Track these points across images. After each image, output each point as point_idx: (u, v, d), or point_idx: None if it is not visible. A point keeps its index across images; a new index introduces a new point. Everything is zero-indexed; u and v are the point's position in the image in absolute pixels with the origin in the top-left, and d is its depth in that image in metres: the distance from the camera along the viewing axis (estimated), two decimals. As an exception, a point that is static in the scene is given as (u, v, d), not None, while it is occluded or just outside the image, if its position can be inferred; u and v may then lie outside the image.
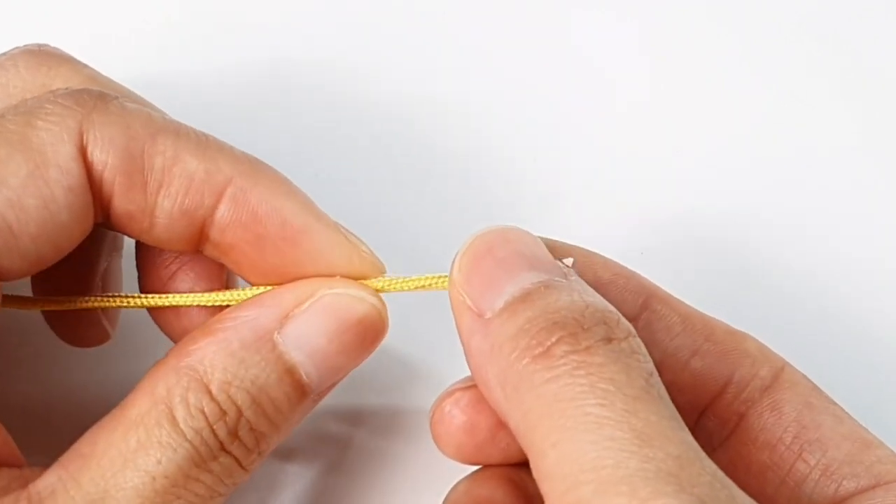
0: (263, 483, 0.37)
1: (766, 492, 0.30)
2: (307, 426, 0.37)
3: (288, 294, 0.31)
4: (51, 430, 0.33)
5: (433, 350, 0.39)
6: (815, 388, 0.31)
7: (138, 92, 0.36)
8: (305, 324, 0.30)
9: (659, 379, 0.27)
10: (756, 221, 0.43)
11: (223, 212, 0.31)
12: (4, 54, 0.35)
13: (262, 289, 0.32)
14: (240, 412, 0.29)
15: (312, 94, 0.44)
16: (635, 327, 0.28)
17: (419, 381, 0.39)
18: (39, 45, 0.35)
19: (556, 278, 0.29)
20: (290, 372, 0.30)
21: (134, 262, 0.34)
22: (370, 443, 0.38)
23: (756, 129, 0.45)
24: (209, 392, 0.29)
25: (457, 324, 0.29)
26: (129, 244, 0.36)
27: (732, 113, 0.45)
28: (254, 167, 0.31)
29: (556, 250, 0.31)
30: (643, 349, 0.27)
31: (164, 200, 0.30)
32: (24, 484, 0.28)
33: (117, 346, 0.36)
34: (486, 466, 0.32)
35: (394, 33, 0.46)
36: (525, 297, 0.28)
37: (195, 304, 0.33)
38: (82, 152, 0.30)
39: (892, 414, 0.38)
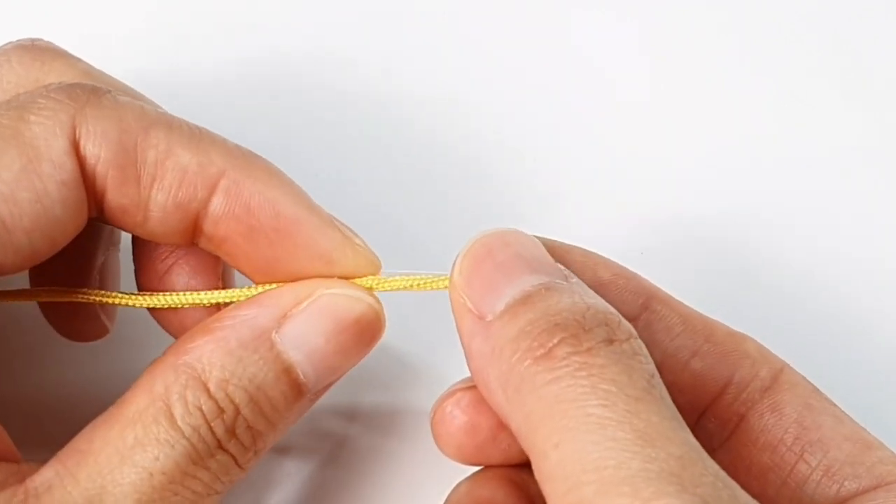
0: (261, 481, 0.37)
1: (767, 493, 0.30)
2: (307, 425, 0.37)
3: (286, 294, 0.31)
4: (47, 427, 0.33)
5: (433, 349, 0.39)
6: (815, 389, 0.31)
7: (134, 89, 0.36)
8: (303, 323, 0.30)
9: (661, 380, 0.27)
10: (756, 221, 0.43)
11: (216, 204, 0.31)
12: (-3, 49, 0.35)
13: (260, 288, 0.32)
14: (237, 410, 0.29)
15: (312, 93, 0.44)
16: (635, 328, 0.28)
17: (419, 380, 0.38)
18: (33, 40, 0.35)
19: (557, 280, 0.29)
20: (287, 371, 0.30)
21: (131, 257, 0.34)
22: (369, 441, 0.37)
23: (756, 129, 0.44)
24: (207, 390, 0.29)
25: (457, 326, 0.29)
26: (126, 239, 0.36)
27: (732, 113, 0.45)
28: (247, 159, 0.31)
29: (555, 250, 0.31)
30: (645, 351, 0.27)
31: (157, 194, 0.30)
32: (21, 479, 0.28)
33: (114, 342, 0.36)
34: (487, 467, 0.32)
35: (394, 33, 0.46)
36: (526, 300, 0.28)
37: (190, 304, 0.33)
38: (75, 146, 0.30)
39: (892, 414, 0.38)
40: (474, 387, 0.31)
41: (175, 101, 0.36)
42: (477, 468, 0.32)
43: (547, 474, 0.25)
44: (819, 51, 0.46)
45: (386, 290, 0.32)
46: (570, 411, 0.25)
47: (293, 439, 0.37)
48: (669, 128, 0.44)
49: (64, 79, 0.33)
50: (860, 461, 0.29)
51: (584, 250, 0.32)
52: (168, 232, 0.31)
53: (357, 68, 0.45)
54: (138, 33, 0.45)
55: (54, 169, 0.29)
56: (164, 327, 0.34)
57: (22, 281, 0.34)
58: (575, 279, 0.29)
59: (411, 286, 0.32)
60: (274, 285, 0.32)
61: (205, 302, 0.33)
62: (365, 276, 0.32)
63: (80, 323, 0.35)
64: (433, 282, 0.32)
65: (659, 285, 0.33)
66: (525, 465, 0.29)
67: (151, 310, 0.34)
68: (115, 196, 0.30)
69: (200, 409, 0.29)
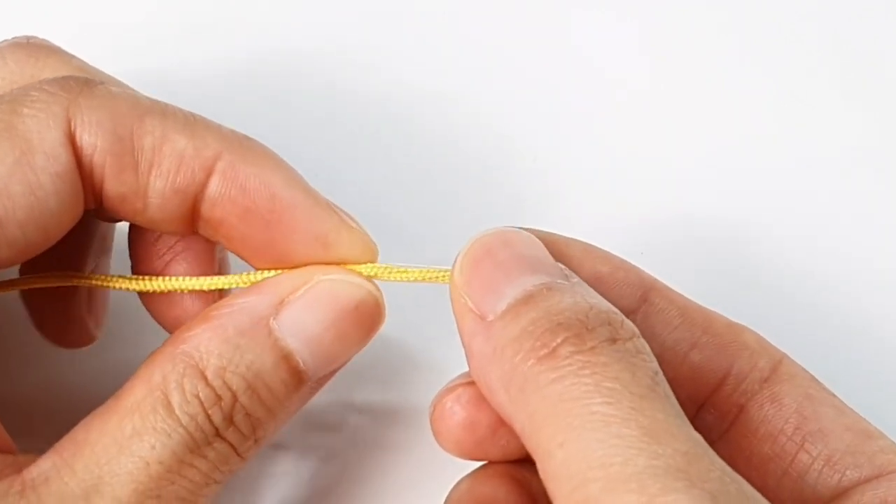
0: (259, 474, 0.36)
1: (768, 483, 0.30)
2: (306, 419, 0.37)
3: (284, 280, 0.31)
4: (43, 423, 0.33)
5: (432, 343, 0.39)
6: (814, 379, 0.31)
7: (127, 84, 0.36)
8: (301, 310, 0.30)
9: (664, 378, 0.27)
10: (756, 221, 0.43)
11: (213, 186, 0.31)
12: (-8, 46, 0.35)
13: (259, 274, 0.32)
14: (235, 398, 0.29)
15: (312, 91, 0.44)
16: (634, 320, 0.28)
17: (418, 375, 0.38)
18: (28, 38, 0.35)
19: (558, 280, 0.29)
20: (286, 358, 0.30)
21: (124, 265, 0.34)
22: (369, 436, 0.37)
23: (756, 129, 0.45)
24: (205, 378, 0.29)
25: (458, 326, 0.29)
26: (119, 244, 0.35)
27: (732, 113, 0.45)
28: (242, 143, 0.31)
29: (556, 243, 0.31)
30: (647, 349, 0.27)
31: (156, 180, 0.30)
32: (18, 470, 0.28)
33: (110, 338, 0.36)
34: (488, 464, 0.32)
35: (394, 33, 0.46)
36: (528, 300, 0.28)
37: (187, 288, 0.33)
38: (70, 137, 0.30)
39: (892, 413, 0.38)
40: (473, 382, 0.30)
41: (173, 99, 0.36)
42: (478, 464, 0.32)
43: (552, 473, 0.25)
44: (819, 51, 0.46)
45: (386, 280, 0.32)
46: (575, 410, 0.25)
47: (293, 433, 0.37)
48: (670, 127, 0.44)
49: (58, 75, 0.33)
50: (861, 451, 0.29)
51: (584, 243, 0.32)
52: (167, 218, 0.31)
53: (357, 67, 0.45)
54: (135, 31, 0.45)
55: (48, 161, 0.29)
56: (158, 321, 0.34)
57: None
58: (576, 279, 0.29)
59: (412, 278, 0.32)
60: (273, 272, 0.32)
61: (202, 287, 0.33)
62: (364, 262, 0.32)
63: (68, 329, 0.36)
64: (434, 275, 0.31)
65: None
66: (526, 462, 0.29)
67: (146, 302, 0.34)
68: (114, 185, 0.30)
69: (198, 397, 0.28)
